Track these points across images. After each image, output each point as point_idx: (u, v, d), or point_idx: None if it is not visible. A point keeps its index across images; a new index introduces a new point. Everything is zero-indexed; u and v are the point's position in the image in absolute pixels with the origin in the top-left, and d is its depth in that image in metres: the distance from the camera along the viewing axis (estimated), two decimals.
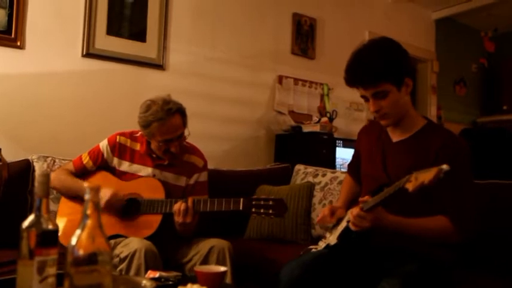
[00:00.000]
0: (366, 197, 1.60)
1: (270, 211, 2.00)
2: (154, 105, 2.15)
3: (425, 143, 1.71)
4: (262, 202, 2.02)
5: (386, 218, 1.58)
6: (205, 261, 2.09)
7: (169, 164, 2.30)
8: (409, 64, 1.76)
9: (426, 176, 1.32)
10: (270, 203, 2.00)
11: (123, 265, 1.95)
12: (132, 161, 2.31)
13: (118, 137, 2.33)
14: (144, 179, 2.26)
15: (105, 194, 2.11)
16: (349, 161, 2.22)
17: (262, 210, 2.01)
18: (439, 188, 1.45)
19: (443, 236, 1.61)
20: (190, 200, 2.09)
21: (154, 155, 2.29)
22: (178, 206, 2.08)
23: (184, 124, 2.23)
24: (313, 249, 1.93)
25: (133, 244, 2.00)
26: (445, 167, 1.30)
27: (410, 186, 1.36)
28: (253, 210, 2.02)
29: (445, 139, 1.68)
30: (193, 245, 2.18)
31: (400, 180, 1.43)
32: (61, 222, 2.20)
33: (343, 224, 1.80)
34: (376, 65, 1.66)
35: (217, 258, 2.09)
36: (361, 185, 2.04)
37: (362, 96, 1.75)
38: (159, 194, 2.19)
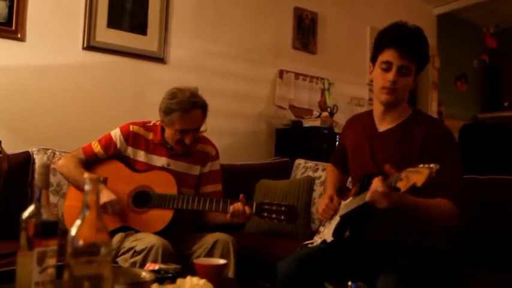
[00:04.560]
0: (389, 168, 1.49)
1: (282, 217, 2.04)
2: (181, 95, 2.17)
3: (411, 132, 1.73)
4: (274, 207, 2.05)
5: (406, 197, 1.51)
6: (209, 254, 2.10)
7: (183, 153, 2.30)
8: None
9: (418, 177, 1.31)
10: (283, 209, 2.04)
11: (139, 257, 1.96)
12: (147, 150, 2.30)
13: (131, 126, 2.31)
14: (157, 172, 2.25)
15: (106, 197, 2.08)
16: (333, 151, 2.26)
17: (274, 215, 2.05)
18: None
19: (451, 218, 1.59)
20: (248, 204, 2.08)
21: (168, 145, 2.29)
22: (237, 208, 2.07)
23: (203, 119, 2.25)
24: (310, 245, 1.93)
25: (150, 239, 2.00)
26: (433, 166, 1.29)
27: (402, 186, 1.36)
28: (266, 214, 2.06)
29: (429, 127, 1.71)
30: (198, 239, 2.19)
31: (392, 177, 1.43)
32: (69, 207, 2.21)
33: (337, 218, 1.80)
34: (423, 42, 1.74)
35: (221, 252, 2.10)
36: (345, 174, 2.11)
37: (384, 62, 1.72)
38: (172, 189, 2.18)
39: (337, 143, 3.70)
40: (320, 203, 1.98)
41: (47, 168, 1.05)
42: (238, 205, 2.07)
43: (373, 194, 1.48)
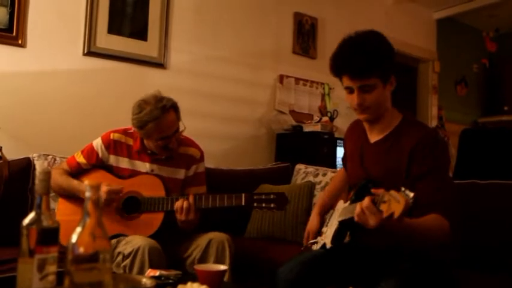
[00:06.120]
0: (380, 190, 1.43)
1: (272, 205, 2.04)
2: (147, 105, 2.14)
3: (400, 143, 1.70)
4: (263, 196, 2.06)
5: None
6: (204, 254, 2.10)
7: (166, 158, 2.29)
8: (395, 61, 1.73)
9: (396, 207, 1.28)
10: (271, 196, 2.05)
11: (127, 261, 1.96)
12: (129, 157, 2.29)
13: (112, 134, 2.31)
14: (143, 177, 2.25)
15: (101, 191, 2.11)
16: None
17: (264, 205, 2.05)
18: (420, 186, 1.53)
19: (443, 233, 1.54)
20: (191, 197, 2.10)
21: (149, 151, 2.28)
22: (180, 203, 2.08)
23: (178, 118, 2.22)
24: (314, 244, 1.94)
25: (136, 241, 2.00)
26: (409, 193, 1.27)
27: (384, 211, 1.32)
28: (255, 204, 2.06)
29: (418, 138, 1.65)
30: (193, 240, 2.19)
31: (377, 196, 1.39)
32: (60, 223, 2.20)
33: (335, 224, 1.80)
34: (371, 57, 1.62)
35: (216, 251, 2.09)
36: None
37: (346, 88, 1.70)
38: (159, 191, 2.19)
39: (336, 148, 3.76)
40: (309, 225, 2.03)
41: (47, 174, 1.05)
42: (180, 201, 2.09)
43: (359, 212, 1.43)
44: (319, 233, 2.01)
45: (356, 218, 1.45)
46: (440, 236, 1.55)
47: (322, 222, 2.02)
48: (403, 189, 1.31)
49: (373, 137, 1.81)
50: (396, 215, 1.27)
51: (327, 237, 1.85)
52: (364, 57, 1.61)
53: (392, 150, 1.72)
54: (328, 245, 1.77)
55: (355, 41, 1.68)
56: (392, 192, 1.33)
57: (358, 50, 1.64)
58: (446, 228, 1.53)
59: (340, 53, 1.70)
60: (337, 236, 1.74)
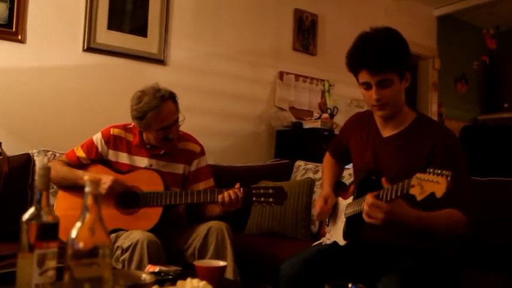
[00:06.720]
0: (384, 183, 1.46)
1: (270, 199, 2.06)
2: (146, 96, 2.16)
3: (417, 140, 1.69)
4: (262, 191, 2.07)
5: (406, 212, 1.48)
6: (204, 242, 2.10)
7: (164, 153, 2.30)
8: (410, 58, 1.74)
9: (436, 187, 1.26)
10: (270, 191, 2.06)
11: (126, 255, 1.96)
12: (129, 152, 2.30)
13: (112, 129, 2.33)
14: (142, 171, 2.26)
15: (106, 180, 2.11)
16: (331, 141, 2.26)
17: (262, 199, 2.06)
18: None
19: (460, 228, 1.54)
20: (237, 188, 2.10)
21: (148, 146, 2.29)
22: (228, 196, 2.07)
23: (177, 109, 2.24)
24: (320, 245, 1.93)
25: (135, 235, 2.01)
26: (447, 173, 1.26)
27: (417, 194, 1.32)
28: (254, 199, 2.07)
29: (436, 137, 1.65)
30: (192, 231, 2.19)
31: (403, 182, 1.39)
32: (60, 218, 2.20)
33: (342, 219, 1.80)
34: (390, 52, 1.63)
35: (216, 239, 2.09)
36: (341, 164, 2.13)
37: (363, 83, 1.70)
38: (158, 186, 2.19)
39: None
40: (316, 205, 1.98)
41: (47, 170, 1.05)
42: (225, 195, 2.08)
43: (367, 209, 1.47)
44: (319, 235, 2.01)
45: (365, 219, 1.48)
46: (455, 230, 1.55)
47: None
48: (431, 170, 1.30)
49: (386, 132, 1.80)
50: (439, 194, 1.26)
51: (335, 236, 1.84)
52: (382, 51, 1.62)
53: (408, 147, 1.71)
54: (342, 243, 1.76)
55: (372, 37, 1.69)
56: (419, 175, 1.32)
57: (376, 44, 1.65)
58: (464, 222, 1.53)
59: (357, 47, 1.71)
60: (348, 232, 1.74)
